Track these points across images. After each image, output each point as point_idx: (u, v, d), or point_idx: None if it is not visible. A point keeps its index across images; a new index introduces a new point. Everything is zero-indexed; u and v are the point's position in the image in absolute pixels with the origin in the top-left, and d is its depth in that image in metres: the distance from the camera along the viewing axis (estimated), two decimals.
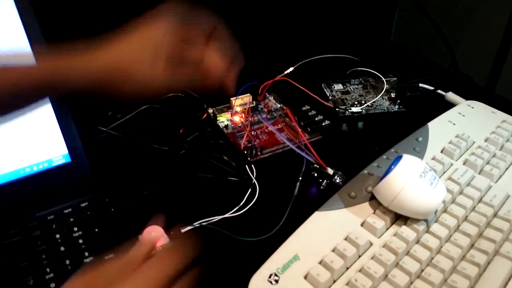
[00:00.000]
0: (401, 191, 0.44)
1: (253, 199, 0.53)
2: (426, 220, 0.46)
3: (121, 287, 0.32)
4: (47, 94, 0.41)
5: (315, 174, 0.55)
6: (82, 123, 0.54)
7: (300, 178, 0.54)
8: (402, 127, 0.63)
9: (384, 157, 0.55)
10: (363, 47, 0.83)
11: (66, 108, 0.53)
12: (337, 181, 0.54)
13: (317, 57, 0.74)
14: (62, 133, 0.52)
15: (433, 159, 0.55)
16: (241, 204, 0.52)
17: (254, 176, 0.56)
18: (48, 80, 0.39)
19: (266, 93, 0.69)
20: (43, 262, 0.44)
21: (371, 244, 0.45)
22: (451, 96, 0.72)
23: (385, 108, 0.70)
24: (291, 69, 0.73)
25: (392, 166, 0.46)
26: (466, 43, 0.83)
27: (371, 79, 0.77)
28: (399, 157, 0.47)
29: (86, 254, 0.45)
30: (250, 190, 0.54)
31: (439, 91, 0.74)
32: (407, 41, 0.95)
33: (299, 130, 0.61)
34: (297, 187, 0.53)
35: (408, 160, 0.46)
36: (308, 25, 0.86)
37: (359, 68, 0.78)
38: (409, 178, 0.44)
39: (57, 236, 0.46)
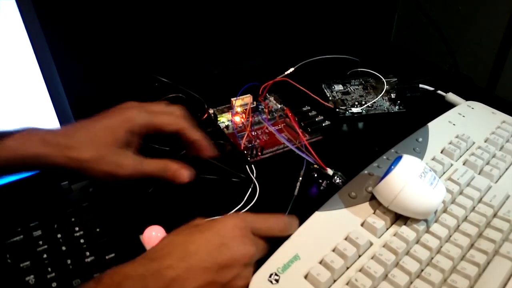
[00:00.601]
0: (401, 191, 0.44)
1: (253, 199, 0.53)
2: (426, 220, 0.46)
3: None
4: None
5: (315, 175, 0.56)
6: None
7: (300, 178, 0.55)
8: (402, 127, 0.63)
9: (384, 157, 0.55)
10: (363, 48, 0.83)
11: (68, 109, 0.53)
12: (337, 181, 0.54)
13: (318, 57, 0.74)
14: None
15: (433, 159, 0.55)
16: (241, 204, 0.52)
17: (254, 176, 0.56)
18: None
19: (267, 94, 0.70)
20: (44, 261, 0.44)
21: (371, 244, 0.45)
22: (451, 96, 0.72)
23: (385, 109, 0.70)
24: (291, 69, 0.73)
25: (392, 166, 0.46)
26: (466, 44, 0.83)
27: (371, 79, 0.77)
28: (399, 158, 0.47)
29: (87, 254, 0.45)
30: (250, 190, 0.54)
31: (439, 91, 0.74)
32: (407, 42, 0.95)
33: (299, 131, 0.61)
34: (297, 187, 0.54)
35: (408, 160, 0.46)
36: (308, 26, 0.86)
37: (359, 69, 0.78)
38: (409, 178, 0.44)
39: (59, 236, 0.47)
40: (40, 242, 0.46)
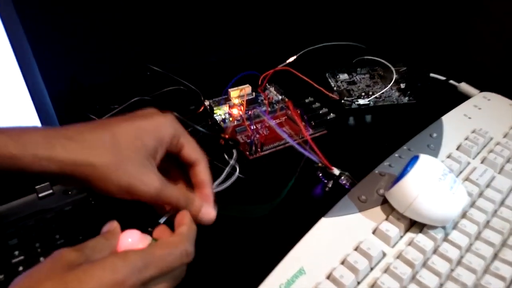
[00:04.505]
0: (419, 197, 0.40)
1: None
2: (443, 227, 0.42)
3: None
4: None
5: (320, 174, 0.51)
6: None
7: (301, 177, 0.50)
8: (413, 120, 0.60)
9: (396, 155, 0.51)
10: (370, 34, 0.80)
11: (49, 104, 0.49)
12: (344, 182, 0.50)
13: (321, 44, 0.72)
14: None
15: (448, 157, 0.51)
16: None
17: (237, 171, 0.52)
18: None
19: (267, 84, 0.66)
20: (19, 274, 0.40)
21: (384, 254, 0.40)
22: (464, 86, 0.69)
23: (394, 100, 0.67)
24: (293, 58, 0.70)
25: (408, 168, 0.42)
26: (478, 30, 0.79)
27: (379, 68, 0.74)
28: (416, 157, 0.42)
29: None
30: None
31: (451, 81, 0.70)
32: (416, 28, 0.91)
33: (302, 127, 0.56)
34: (291, 182, 0.50)
35: (426, 161, 0.42)
36: (311, 11, 0.83)
37: (366, 57, 0.75)
38: (428, 182, 0.40)
39: (57, 236, 0.44)
40: (16, 253, 0.42)
